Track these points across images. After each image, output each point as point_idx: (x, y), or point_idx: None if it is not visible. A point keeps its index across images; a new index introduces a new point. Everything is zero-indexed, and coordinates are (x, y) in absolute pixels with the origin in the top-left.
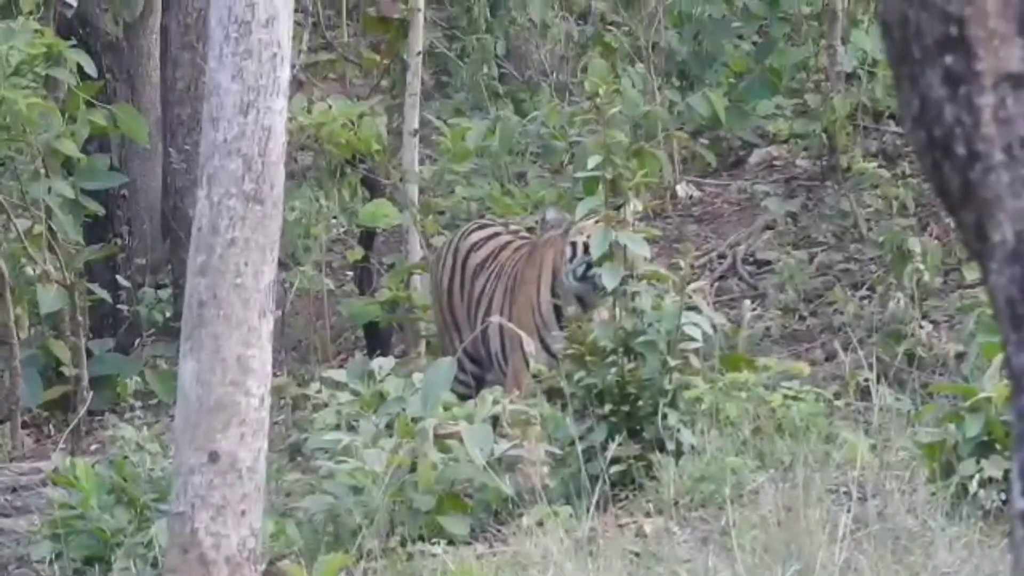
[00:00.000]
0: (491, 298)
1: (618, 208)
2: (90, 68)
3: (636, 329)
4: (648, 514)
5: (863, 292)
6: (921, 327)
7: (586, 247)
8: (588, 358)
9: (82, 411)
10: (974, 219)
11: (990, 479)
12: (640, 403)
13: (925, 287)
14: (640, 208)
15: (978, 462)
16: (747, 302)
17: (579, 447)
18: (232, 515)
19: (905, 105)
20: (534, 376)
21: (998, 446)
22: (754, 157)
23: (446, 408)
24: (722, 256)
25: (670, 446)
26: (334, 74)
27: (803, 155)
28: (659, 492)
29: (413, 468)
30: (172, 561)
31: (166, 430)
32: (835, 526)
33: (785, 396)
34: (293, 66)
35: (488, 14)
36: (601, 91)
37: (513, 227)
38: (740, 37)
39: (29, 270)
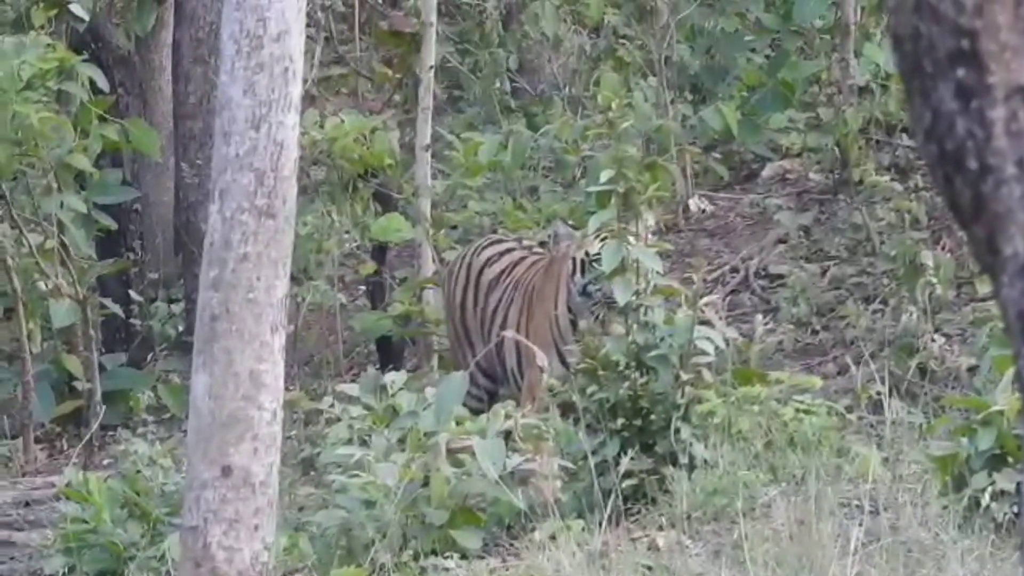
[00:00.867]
0: (506, 313)
1: (630, 222)
2: (102, 82)
3: (648, 343)
4: (660, 528)
5: (875, 305)
6: (933, 340)
7: (583, 264)
8: (601, 372)
9: (95, 425)
10: (985, 233)
11: (1002, 492)
12: (652, 417)
13: (937, 300)
14: (652, 222)
15: (990, 475)
16: (759, 316)
17: (592, 461)
18: (245, 529)
19: (917, 118)
20: (548, 390)
21: (1010, 459)
22: (766, 171)
23: (458, 422)
24: (734, 270)
25: (682, 460)
26: (346, 88)
27: (815, 168)
28: (671, 506)
29: (426, 482)
30: (185, 575)
31: (179, 444)
32: (847, 539)
33: (797, 410)
34: (305, 80)
35: (500, 28)
36: (613, 105)
37: (526, 242)
38: (752, 51)
39: (41, 285)
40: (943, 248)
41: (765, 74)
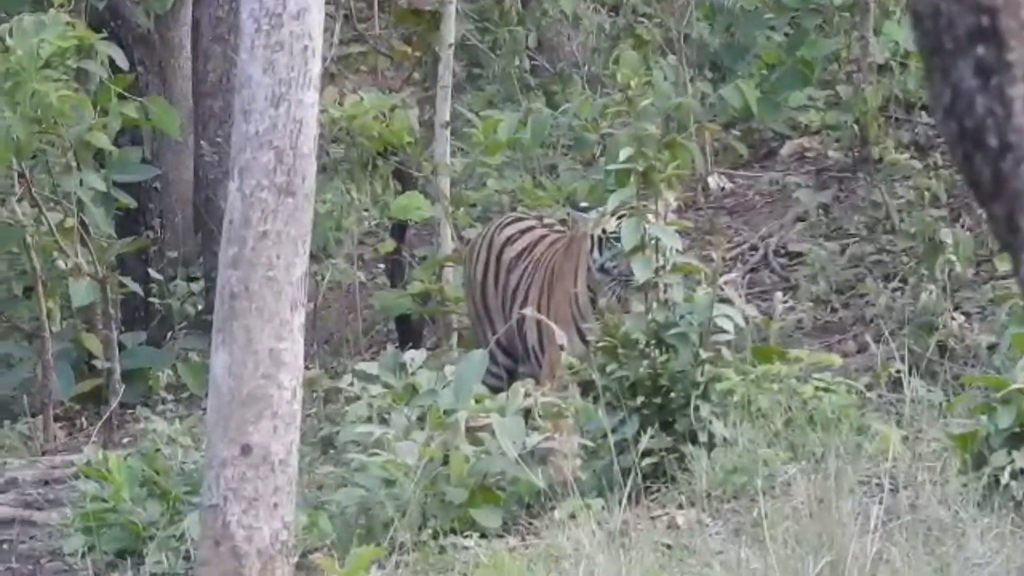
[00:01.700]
0: (527, 291)
1: (649, 200)
2: (121, 61)
3: (668, 321)
4: (680, 506)
5: (895, 284)
6: (953, 318)
7: (600, 241)
8: (620, 350)
9: (114, 404)
10: (1005, 211)
11: (1022, 470)
12: (672, 395)
13: (957, 278)
14: (672, 200)
15: (1010, 453)
16: (779, 294)
17: (611, 439)
18: (264, 508)
19: (936, 96)
20: (568, 368)
21: None
22: (786, 149)
23: (478, 401)
24: (754, 248)
25: (702, 438)
26: (366, 66)
27: (835, 146)
28: (691, 484)
29: (445, 461)
30: (204, 554)
31: (198, 423)
32: (867, 517)
33: (817, 388)
34: (324, 58)
35: (520, 6)
36: (633, 83)
37: (547, 220)
38: (772, 28)
39: (61, 263)
40: (962, 226)
41: (784, 52)
